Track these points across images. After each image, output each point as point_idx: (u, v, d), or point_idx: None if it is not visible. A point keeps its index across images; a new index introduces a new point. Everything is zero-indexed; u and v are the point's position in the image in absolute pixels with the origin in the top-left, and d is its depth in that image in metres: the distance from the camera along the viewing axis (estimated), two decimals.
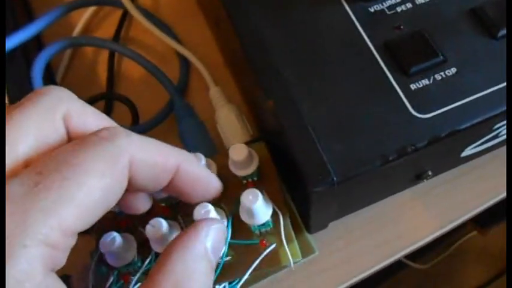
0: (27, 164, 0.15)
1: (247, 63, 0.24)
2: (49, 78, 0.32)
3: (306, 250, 0.25)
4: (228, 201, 0.24)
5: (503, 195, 0.30)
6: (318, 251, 0.25)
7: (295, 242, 0.23)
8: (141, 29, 0.35)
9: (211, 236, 0.18)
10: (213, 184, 0.20)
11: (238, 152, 0.23)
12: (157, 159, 0.17)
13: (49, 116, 0.16)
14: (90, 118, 0.17)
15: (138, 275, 0.23)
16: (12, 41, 0.31)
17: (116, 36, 0.36)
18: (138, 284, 0.23)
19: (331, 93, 0.23)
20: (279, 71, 0.23)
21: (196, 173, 0.19)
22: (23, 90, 0.28)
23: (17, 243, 0.13)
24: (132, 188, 0.17)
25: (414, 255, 0.80)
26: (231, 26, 0.25)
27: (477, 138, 0.24)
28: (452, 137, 0.22)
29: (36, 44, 0.34)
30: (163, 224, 0.21)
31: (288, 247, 0.23)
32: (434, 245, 0.84)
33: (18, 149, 0.15)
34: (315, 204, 0.22)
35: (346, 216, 0.28)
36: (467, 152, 0.25)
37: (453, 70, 0.23)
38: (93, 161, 0.15)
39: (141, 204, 0.20)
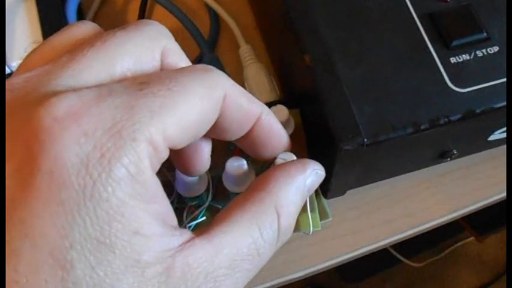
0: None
1: (286, 18, 0.24)
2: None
3: (321, 215, 0.25)
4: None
5: None
6: (332, 217, 0.25)
7: (317, 212, 0.23)
8: None
9: (312, 176, 0.18)
10: (286, 139, 0.20)
11: (280, 114, 0.23)
12: (245, 103, 0.17)
13: (151, 44, 0.16)
14: (183, 62, 0.17)
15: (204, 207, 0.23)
16: None
17: None
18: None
19: (369, 56, 0.22)
20: (318, 29, 0.23)
21: (275, 125, 0.19)
22: (56, 26, 0.28)
23: (126, 135, 0.13)
24: (216, 127, 0.16)
25: (409, 252, 0.80)
26: None
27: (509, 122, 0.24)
28: (487, 114, 0.22)
29: None
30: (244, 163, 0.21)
31: (310, 216, 0.23)
32: (430, 245, 0.84)
33: (116, 66, 0.15)
34: (341, 163, 0.22)
35: (361, 189, 0.28)
36: (496, 136, 0.25)
37: (495, 48, 0.23)
38: (195, 84, 0.15)
39: (202, 163, 0.18)
